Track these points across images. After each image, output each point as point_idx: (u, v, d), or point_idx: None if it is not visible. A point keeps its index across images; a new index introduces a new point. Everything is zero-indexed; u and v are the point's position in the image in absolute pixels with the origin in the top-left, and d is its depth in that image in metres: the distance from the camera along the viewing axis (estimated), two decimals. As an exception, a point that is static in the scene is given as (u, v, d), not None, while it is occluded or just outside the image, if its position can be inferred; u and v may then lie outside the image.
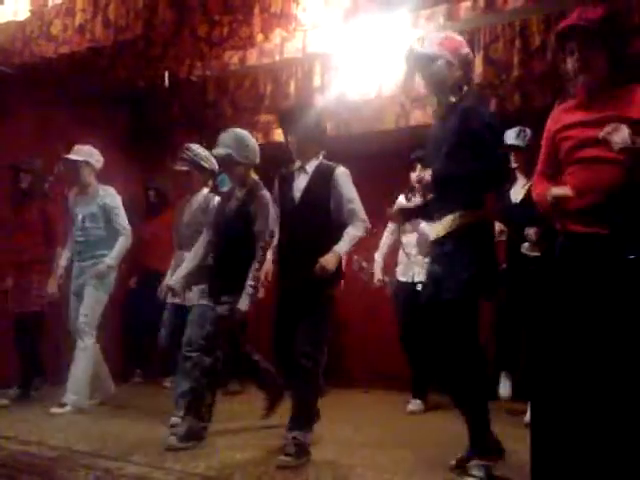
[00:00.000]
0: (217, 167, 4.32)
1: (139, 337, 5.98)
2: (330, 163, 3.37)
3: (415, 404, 4.80)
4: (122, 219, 4.71)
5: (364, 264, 5.15)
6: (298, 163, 3.41)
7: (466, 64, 2.99)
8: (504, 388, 4.49)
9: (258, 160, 3.77)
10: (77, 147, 4.74)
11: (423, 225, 4.41)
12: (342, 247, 3.20)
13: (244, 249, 3.54)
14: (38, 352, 5.07)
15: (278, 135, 6.05)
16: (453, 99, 2.94)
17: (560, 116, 2.66)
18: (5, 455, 3.04)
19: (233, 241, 3.61)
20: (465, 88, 2.98)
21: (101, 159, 4.79)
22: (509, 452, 2.88)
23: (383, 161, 5.56)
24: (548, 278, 2.10)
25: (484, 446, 2.77)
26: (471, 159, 2.80)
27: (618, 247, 2.33)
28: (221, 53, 5.33)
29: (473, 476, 2.71)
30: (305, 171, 3.36)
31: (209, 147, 4.12)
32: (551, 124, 2.68)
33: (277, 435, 3.70)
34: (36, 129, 5.62)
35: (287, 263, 3.35)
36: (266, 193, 3.61)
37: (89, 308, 4.57)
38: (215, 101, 6.08)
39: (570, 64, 2.55)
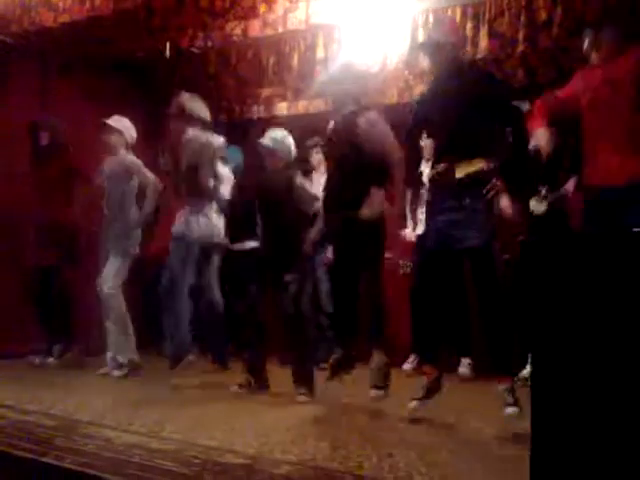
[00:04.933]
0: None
1: None
2: None
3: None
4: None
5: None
6: None
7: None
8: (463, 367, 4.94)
9: None
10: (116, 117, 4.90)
11: None
12: None
13: None
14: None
15: (280, 108, 6.01)
16: None
17: None
18: (4, 424, 3.04)
19: None
20: None
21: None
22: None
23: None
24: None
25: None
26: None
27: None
28: (223, 24, 5.27)
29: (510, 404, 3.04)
30: None
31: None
32: None
33: (275, 404, 3.73)
34: (35, 98, 5.57)
35: None
36: None
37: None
38: (217, 73, 6.02)
39: None
